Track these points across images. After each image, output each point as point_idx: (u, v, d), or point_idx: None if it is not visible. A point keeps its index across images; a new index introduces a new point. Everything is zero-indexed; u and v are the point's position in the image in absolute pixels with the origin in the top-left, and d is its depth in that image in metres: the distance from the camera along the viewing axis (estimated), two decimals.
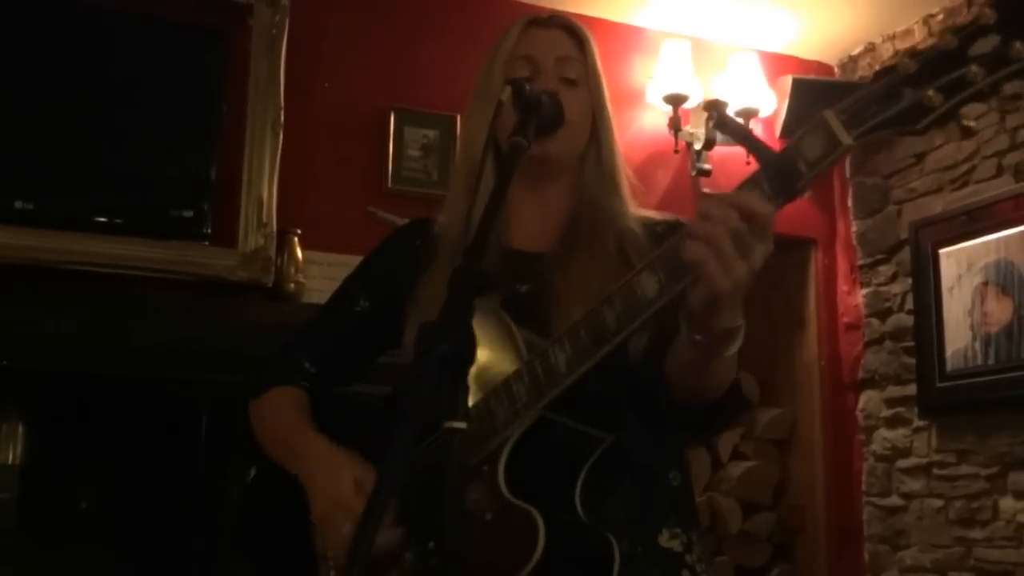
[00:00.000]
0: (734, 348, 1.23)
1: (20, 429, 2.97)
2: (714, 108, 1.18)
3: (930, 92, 1.08)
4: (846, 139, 1.10)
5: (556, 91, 1.45)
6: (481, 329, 1.29)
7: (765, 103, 3.79)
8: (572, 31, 1.56)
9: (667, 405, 1.37)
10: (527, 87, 1.37)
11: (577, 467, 1.32)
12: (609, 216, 1.51)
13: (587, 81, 1.54)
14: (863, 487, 3.86)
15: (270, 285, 3.01)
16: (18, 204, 2.80)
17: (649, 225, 1.53)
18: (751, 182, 1.16)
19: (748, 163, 3.72)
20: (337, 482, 1.37)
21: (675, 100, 3.64)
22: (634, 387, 1.36)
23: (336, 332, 1.61)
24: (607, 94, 1.56)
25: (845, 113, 1.11)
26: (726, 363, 1.28)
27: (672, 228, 1.53)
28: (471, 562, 1.28)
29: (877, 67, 3.97)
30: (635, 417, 1.41)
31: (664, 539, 1.40)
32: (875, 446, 3.83)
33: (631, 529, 1.36)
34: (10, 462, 2.94)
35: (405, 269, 1.54)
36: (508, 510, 1.28)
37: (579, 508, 1.30)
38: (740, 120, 3.74)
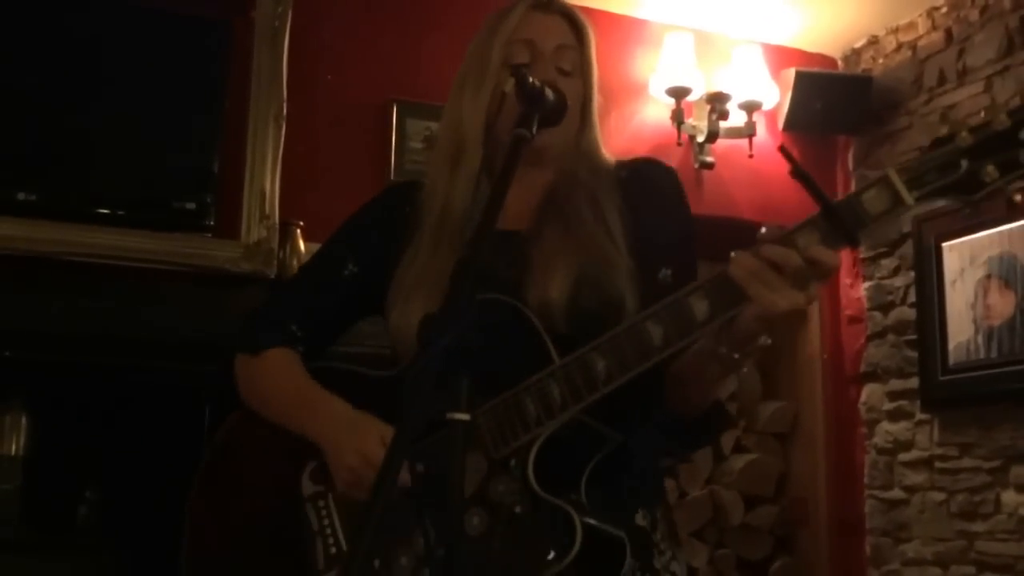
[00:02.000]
0: (749, 365, 1.30)
1: (23, 420, 2.98)
2: (785, 153, 1.25)
3: (989, 167, 1.17)
4: (909, 199, 1.19)
5: (554, 80, 1.45)
6: (501, 324, 1.30)
7: (768, 96, 3.78)
8: (572, 19, 1.56)
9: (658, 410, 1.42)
10: (530, 79, 1.37)
11: (584, 461, 1.34)
12: (582, 183, 1.52)
13: (581, 72, 1.54)
14: (865, 480, 3.86)
15: (273, 277, 3.01)
16: (21, 196, 2.80)
17: (622, 168, 1.56)
18: (810, 224, 1.22)
19: (751, 156, 3.73)
20: (365, 439, 1.37)
21: (678, 93, 3.64)
22: (643, 385, 1.36)
23: (323, 296, 1.60)
24: (596, 86, 1.57)
25: (906, 173, 1.19)
26: (732, 380, 1.35)
27: (639, 169, 1.56)
28: (497, 551, 1.30)
29: (880, 60, 3.97)
30: (639, 413, 1.42)
31: (639, 518, 1.43)
32: (877, 439, 3.83)
33: (613, 513, 1.37)
34: (13, 453, 2.95)
35: (394, 237, 1.54)
36: (540, 505, 1.30)
37: (584, 501, 1.32)
38: (743, 112, 3.75)
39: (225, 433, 1.58)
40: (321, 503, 1.45)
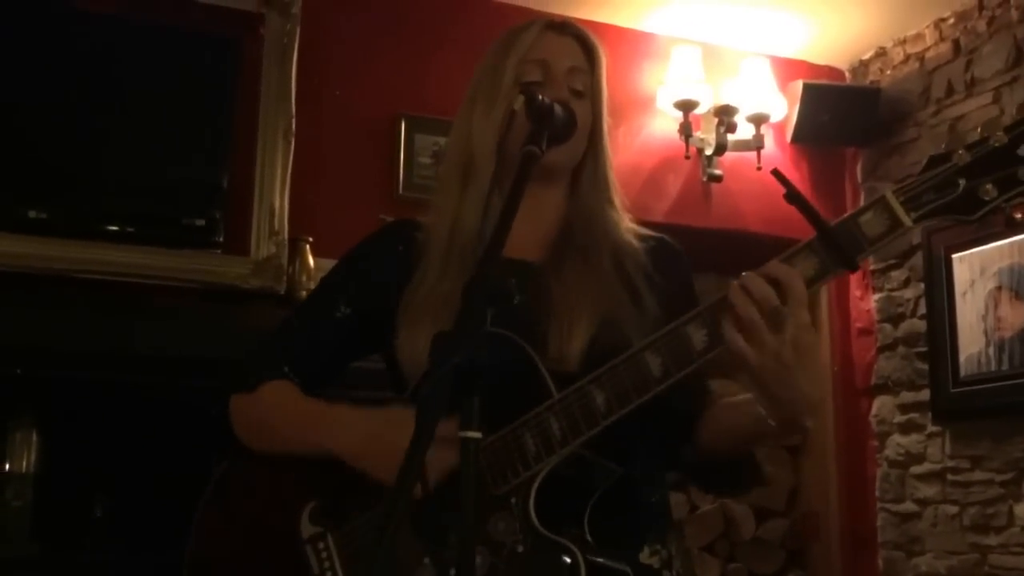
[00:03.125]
0: (808, 427, 1.28)
1: (34, 437, 2.98)
2: (779, 176, 1.25)
3: (987, 185, 1.16)
4: (908, 221, 1.18)
5: (566, 100, 1.45)
6: (503, 358, 1.28)
7: (776, 108, 3.78)
8: (584, 43, 1.56)
9: (684, 453, 1.42)
10: (540, 96, 1.37)
11: (586, 497, 1.32)
12: (603, 227, 1.51)
13: (592, 94, 1.54)
14: (877, 493, 3.85)
15: (282, 293, 3.02)
16: (32, 213, 2.81)
17: (643, 238, 1.54)
18: (807, 249, 1.22)
19: (759, 168, 3.72)
20: (406, 432, 1.25)
21: (686, 106, 3.64)
22: (645, 416, 1.34)
23: (315, 338, 1.56)
24: (607, 108, 1.57)
25: (904, 194, 1.19)
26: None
27: (661, 244, 1.55)
28: None
29: (888, 71, 3.97)
30: (640, 445, 1.41)
31: (645, 556, 1.40)
32: (889, 452, 3.81)
33: (617, 550, 1.35)
34: (24, 470, 2.94)
35: (389, 274, 1.51)
36: (542, 544, 1.27)
37: (588, 537, 1.30)
38: (751, 125, 3.74)
39: (220, 477, 1.54)
40: (321, 545, 1.41)
